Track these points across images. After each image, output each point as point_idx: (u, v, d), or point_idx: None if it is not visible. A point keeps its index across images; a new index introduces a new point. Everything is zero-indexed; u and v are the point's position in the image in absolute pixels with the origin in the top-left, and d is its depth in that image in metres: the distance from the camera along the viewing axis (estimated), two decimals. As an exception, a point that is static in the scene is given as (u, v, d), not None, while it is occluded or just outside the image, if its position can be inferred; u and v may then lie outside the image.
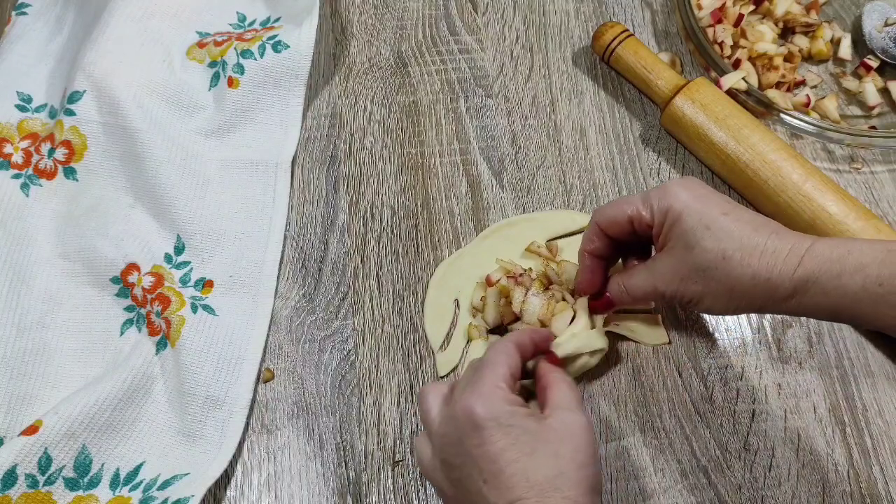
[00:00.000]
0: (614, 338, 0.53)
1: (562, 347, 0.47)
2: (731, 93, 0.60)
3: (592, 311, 0.49)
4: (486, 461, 0.38)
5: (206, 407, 0.50)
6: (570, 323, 0.49)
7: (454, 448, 0.39)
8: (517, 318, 0.52)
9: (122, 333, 0.53)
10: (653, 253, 0.46)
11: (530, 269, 0.53)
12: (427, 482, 0.49)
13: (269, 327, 0.54)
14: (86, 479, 0.47)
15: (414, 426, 0.51)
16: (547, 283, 0.52)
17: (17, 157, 0.58)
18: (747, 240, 0.40)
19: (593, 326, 0.50)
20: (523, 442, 0.38)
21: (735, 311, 0.44)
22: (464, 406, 0.39)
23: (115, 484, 0.48)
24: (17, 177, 0.57)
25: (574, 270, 0.52)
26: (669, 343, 0.53)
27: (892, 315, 0.38)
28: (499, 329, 0.53)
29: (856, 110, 0.64)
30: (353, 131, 0.61)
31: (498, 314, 0.52)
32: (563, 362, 0.47)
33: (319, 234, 0.57)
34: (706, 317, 0.55)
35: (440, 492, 0.42)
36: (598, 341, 0.50)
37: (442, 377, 0.52)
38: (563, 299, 0.51)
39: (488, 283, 0.53)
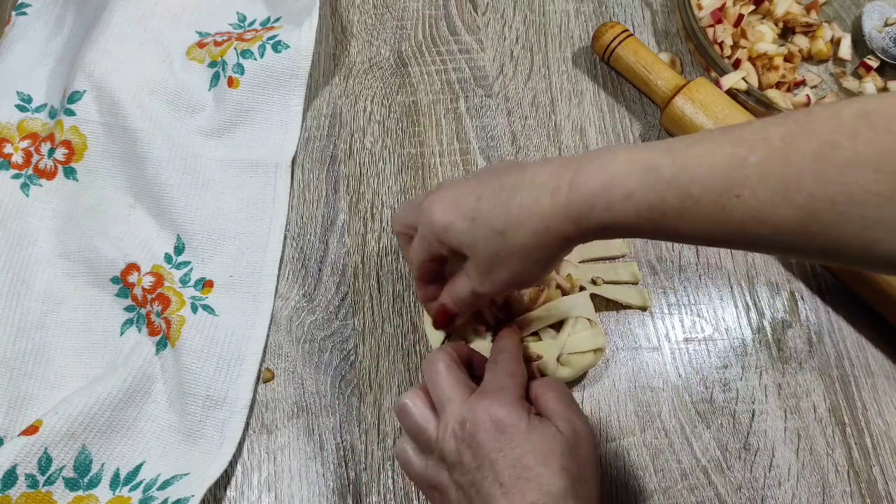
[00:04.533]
0: (614, 338, 0.54)
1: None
2: (731, 93, 0.60)
3: (436, 327, 0.48)
4: (505, 466, 0.38)
5: (206, 407, 0.50)
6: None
7: (472, 451, 0.40)
8: (510, 315, 0.52)
9: (122, 333, 0.53)
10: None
11: None
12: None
13: (269, 327, 0.54)
14: (86, 479, 0.47)
15: (414, 426, 0.51)
16: None
17: (17, 157, 0.58)
18: (505, 207, 0.39)
19: (592, 326, 0.50)
20: (539, 451, 0.39)
21: (548, 267, 0.43)
22: (490, 411, 0.40)
23: (115, 484, 0.48)
24: (17, 177, 0.57)
25: (568, 266, 0.53)
26: (646, 309, 0.54)
27: (668, 233, 0.37)
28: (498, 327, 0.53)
29: (856, 110, 0.64)
30: (353, 131, 0.61)
31: (491, 311, 0.52)
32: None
33: (319, 234, 0.57)
34: (706, 317, 0.55)
35: (437, 493, 0.42)
36: (598, 340, 0.50)
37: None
38: (558, 286, 0.51)
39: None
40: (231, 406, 0.50)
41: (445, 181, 0.45)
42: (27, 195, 0.57)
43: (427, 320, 0.54)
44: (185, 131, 0.59)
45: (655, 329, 0.54)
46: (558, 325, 0.51)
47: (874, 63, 0.64)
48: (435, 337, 0.53)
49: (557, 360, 0.49)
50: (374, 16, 0.67)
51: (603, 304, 0.55)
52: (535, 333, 0.50)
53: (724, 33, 0.63)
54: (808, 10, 0.66)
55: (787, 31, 0.67)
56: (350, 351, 0.53)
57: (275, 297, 0.55)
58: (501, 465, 0.39)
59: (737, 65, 0.62)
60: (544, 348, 0.49)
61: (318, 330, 0.54)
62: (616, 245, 0.57)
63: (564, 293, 0.52)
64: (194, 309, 0.53)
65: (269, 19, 0.65)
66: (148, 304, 0.53)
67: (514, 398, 0.41)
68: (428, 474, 0.42)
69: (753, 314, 0.55)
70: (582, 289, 0.52)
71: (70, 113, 0.57)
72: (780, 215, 0.34)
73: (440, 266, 0.45)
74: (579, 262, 0.55)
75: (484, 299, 0.45)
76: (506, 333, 0.47)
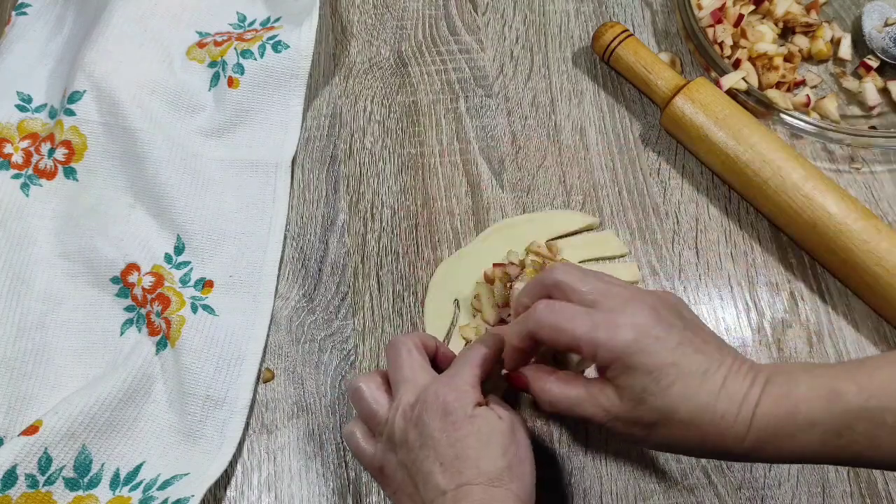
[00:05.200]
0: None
1: None
2: (731, 93, 0.60)
3: (508, 380, 0.46)
4: (446, 446, 0.40)
5: (206, 407, 0.50)
6: None
7: (418, 430, 0.41)
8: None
9: (122, 333, 0.53)
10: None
11: (523, 260, 0.54)
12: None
13: (269, 327, 0.54)
14: (86, 479, 0.47)
15: (414, 426, 0.51)
16: (541, 270, 0.52)
17: (17, 157, 0.58)
18: (697, 400, 0.37)
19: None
20: (481, 434, 0.40)
21: (673, 451, 0.43)
22: (441, 394, 0.41)
23: (115, 484, 0.48)
24: (17, 177, 0.57)
25: None
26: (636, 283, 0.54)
27: (858, 461, 0.36)
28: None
29: (856, 110, 0.64)
30: (353, 131, 0.61)
31: (495, 311, 0.52)
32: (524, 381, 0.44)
33: (319, 234, 0.57)
34: (706, 317, 0.55)
35: (384, 477, 0.43)
36: None
37: (442, 377, 0.52)
38: None
39: (487, 280, 0.53)
40: (231, 406, 0.50)
41: (647, 297, 0.40)
42: (27, 195, 0.57)
43: (427, 320, 0.54)
44: (185, 131, 0.59)
45: (655, 329, 0.54)
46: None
47: (874, 63, 0.64)
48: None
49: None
50: (374, 16, 0.67)
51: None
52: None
53: (724, 33, 0.63)
54: (808, 10, 0.66)
55: (787, 31, 0.66)
56: (350, 351, 0.53)
57: (275, 297, 0.54)
58: (443, 445, 0.40)
59: (737, 65, 0.62)
60: None
61: (318, 330, 0.54)
62: (615, 245, 0.57)
63: None
64: (194, 309, 0.53)
65: (269, 19, 0.65)
66: (148, 304, 0.53)
67: (466, 384, 0.42)
68: (377, 457, 0.43)
69: (753, 314, 0.55)
70: None
71: (70, 113, 0.57)
72: None
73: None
74: (579, 263, 0.55)
75: (570, 415, 0.41)
76: (491, 331, 0.47)
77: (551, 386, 0.42)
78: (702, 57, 0.63)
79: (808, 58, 0.66)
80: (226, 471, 0.48)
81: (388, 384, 0.45)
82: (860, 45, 0.66)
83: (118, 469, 0.48)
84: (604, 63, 0.64)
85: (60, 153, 0.57)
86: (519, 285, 0.51)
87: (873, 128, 0.62)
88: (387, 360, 0.45)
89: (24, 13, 0.65)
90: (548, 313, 0.40)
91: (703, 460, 0.50)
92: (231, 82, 0.60)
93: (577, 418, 0.41)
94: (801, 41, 0.65)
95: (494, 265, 0.53)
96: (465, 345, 0.53)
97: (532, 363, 0.45)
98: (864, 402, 0.35)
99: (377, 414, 0.43)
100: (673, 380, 0.37)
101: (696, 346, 0.39)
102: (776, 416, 0.36)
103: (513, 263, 0.53)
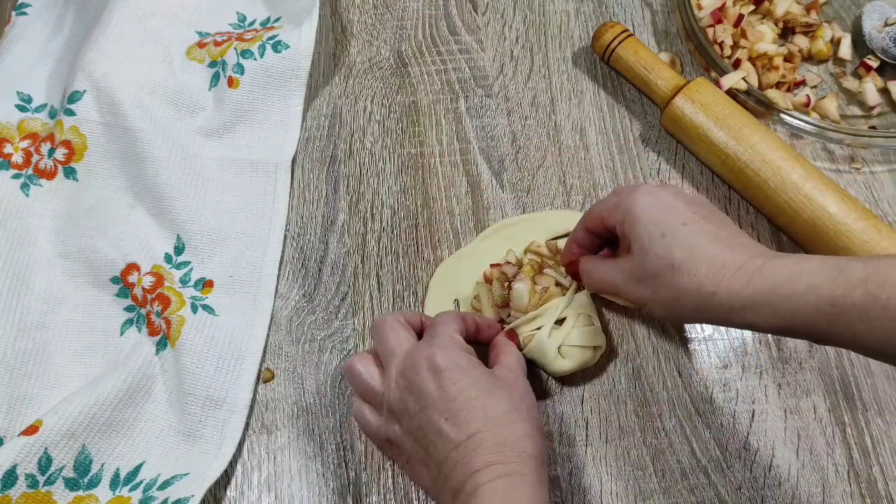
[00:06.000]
0: (614, 338, 0.54)
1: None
2: (731, 93, 0.60)
3: (572, 276, 0.52)
4: (447, 401, 0.41)
5: (206, 407, 0.50)
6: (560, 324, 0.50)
7: (414, 396, 0.42)
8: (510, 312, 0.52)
9: (122, 333, 0.53)
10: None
11: (520, 259, 0.54)
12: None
13: (269, 327, 0.54)
14: (86, 479, 0.47)
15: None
16: (539, 269, 0.52)
17: (17, 157, 0.58)
18: (699, 251, 0.40)
19: (592, 324, 0.51)
20: (482, 383, 0.42)
21: (680, 320, 0.46)
22: (426, 355, 0.42)
23: (115, 484, 0.48)
24: (17, 177, 0.57)
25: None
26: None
27: (846, 335, 0.37)
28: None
29: (856, 110, 0.64)
30: (353, 131, 0.61)
31: (495, 311, 0.52)
32: (517, 339, 0.50)
33: (319, 234, 0.57)
34: (706, 317, 0.55)
35: (394, 448, 0.44)
36: (598, 338, 0.50)
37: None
38: (558, 284, 0.52)
39: (486, 280, 0.53)
40: (231, 406, 0.50)
41: (670, 185, 0.47)
42: (27, 195, 0.57)
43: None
44: (185, 131, 0.59)
45: (655, 329, 0.54)
46: (559, 323, 0.51)
47: (874, 63, 0.64)
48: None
49: (558, 350, 0.49)
50: (374, 16, 0.67)
51: (603, 303, 0.55)
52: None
53: (724, 33, 0.63)
54: (808, 10, 0.66)
55: (787, 31, 0.67)
56: (350, 351, 0.53)
57: (275, 297, 0.55)
58: (442, 402, 0.41)
59: (737, 65, 0.62)
60: (548, 337, 0.49)
61: (318, 330, 0.54)
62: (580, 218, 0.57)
63: (564, 290, 0.52)
64: (194, 309, 0.53)
65: (269, 19, 0.65)
66: (148, 304, 0.53)
67: (448, 339, 0.44)
68: (382, 430, 0.44)
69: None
70: (580, 287, 0.52)
71: (70, 113, 0.57)
72: None
73: (598, 237, 0.49)
74: (548, 241, 0.55)
75: (614, 294, 0.49)
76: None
77: (593, 264, 0.48)
78: (702, 57, 0.63)
79: (808, 58, 0.66)
80: (226, 471, 0.48)
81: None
82: (860, 45, 0.66)
83: (118, 469, 0.48)
84: (604, 63, 0.64)
85: (60, 153, 0.57)
86: (518, 285, 0.51)
87: (873, 128, 0.62)
88: (373, 340, 0.46)
89: (24, 13, 0.65)
90: (594, 204, 0.48)
91: (704, 460, 0.50)
92: (231, 82, 0.60)
93: (609, 290, 0.47)
94: (801, 41, 0.66)
95: (492, 265, 0.53)
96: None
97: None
98: (866, 276, 0.36)
99: (374, 388, 0.44)
100: (677, 233, 0.41)
101: (711, 220, 0.42)
102: (779, 275, 0.38)
103: (510, 263, 0.53)
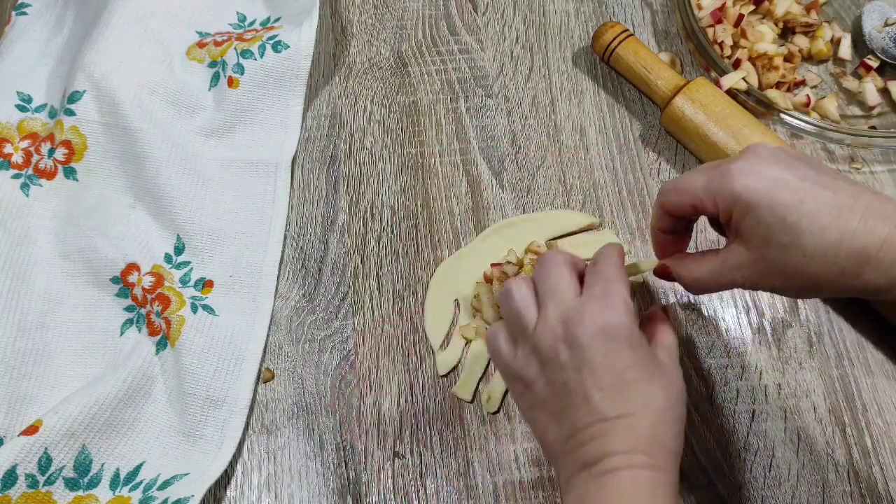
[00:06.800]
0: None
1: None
2: (731, 93, 0.60)
3: (657, 275, 0.47)
4: (607, 373, 0.38)
5: (206, 407, 0.50)
6: None
7: (572, 352, 0.39)
8: None
9: (122, 333, 0.53)
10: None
11: (521, 259, 0.54)
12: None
13: (269, 327, 0.54)
14: (86, 479, 0.47)
15: (413, 425, 0.51)
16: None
17: (17, 157, 0.58)
18: (830, 233, 0.36)
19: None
20: (646, 365, 0.39)
21: (819, 296, 0.42)
22: (600, 317, 0.39)
23: (115, 484, 0.48)
24: (17, 177, 0.57)
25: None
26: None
27: None
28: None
29: (856, 110, 0.64)
30: (353, 131, 0.61)
31: (495, 311, 0.53)
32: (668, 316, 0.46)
33: (319, 234, 0.57)
34: (706, 317, 0.55)
35: (523, 387, 0.41)
36: None
37: (442, 377, 0.52)
38: None
39: (486, 280, 0.53)
40: (231, 406, 0.50)
41: (759, 148, 0.40)
42: (27, 195, 0.57)
43: (427, 320, 0.54)
44: (185, 131, 0.59)
45: (655, 329, 0.54)
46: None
47: (874, 63, 0.64)
48: (435, 337, 0.53)
49: None
50: (374, 16, 0.67)
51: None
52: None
53: (724, 33, 0.63)
54: (808, 10, 0.66)
55: (787, 31, 0.66)
56: (350, 351, 0.53)
57: (275, 297, 0.54)
58: (604, 371, 0.38)
59: (737, 65, 0.62)
60: None
61: (318, 330, 0.54)
62: (580, 219, 0.57)
63: None
64: (194, 309, 0.53)
65: (269, 19, 0.65)
66: (148, 304, 0.53)
67: (623, 307, 0.40)
68: (516, 364, 0.41)
69: (753, 314, 0.55)
70: None
71: (70, 113, 0.57)
72: None
73: (685, 219, 0.44)
74: (548, 241, 0.56)
75: (726, 289, 0.42)
76: (609, 246, 0.45)
77: (690, 266, 0.43)
78: (702, 57, 0.63)
79: (808, 58, 0.66)
80: (226, 471, 0.48)
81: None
82: (860, 45, 0.66)
83: (118, 469, 0.48)
84: (604, 63, 0.64)
85: (60, 153, 0.57)
86: None
87: (873, 128, 0.62)
88: (535, 272, 0.43)
89: (24, 13, 0.65)
90: (670, 183, 0.42)
91: (703, 460, 0.50)
92: (231, 82, 0.60)
93: (718, 288, 0.41)
94: (801, 41, 0.65)
95: (493, 265, 0.53)
96: (466, 344, 0.53)
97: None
98: None
99: (524, 318, 0.41)
100: (799, 215, 0.36)
101: (824, 184, 0.37)
102: None
103: (510, 263, 0.53)
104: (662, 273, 0.46)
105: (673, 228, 0.45)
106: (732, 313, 0.55)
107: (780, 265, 0.38)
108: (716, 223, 0.43)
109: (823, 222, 0.36)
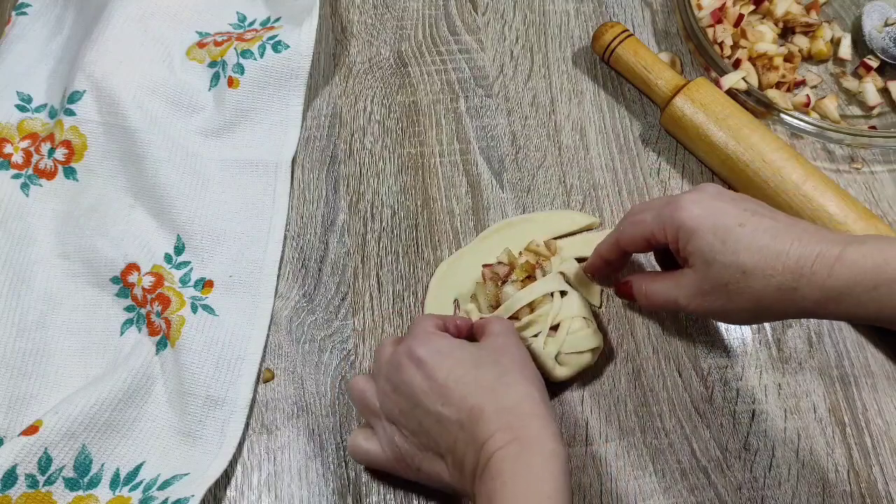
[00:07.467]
0: (614, 338, 0.54)
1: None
2: (731, 93, 0.60)
3: (617, 290, 0.51)
4: (437, 387, 0.41)
5: (206, 407, 0.50)
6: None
7: (404, 396, 0.42)
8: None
9: (122, 333, 0.53)
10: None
11: (513, 260, 0.54)
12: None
13: (269, 327, 0.54)
14: (86, 479, 0.47)
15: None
16: (531, 271, 0.52)
17: (17, 157, 0.58)
18: (768, 250, 0.39)
19: (588, 326, 0.50)
20: (466, 359, 0.42)
21: (760, 321, 0.45)
22: (403, 352, 0.43)
23: (115, 484, 0.48)
24: (17, 177, 0.57)
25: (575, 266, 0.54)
26: (600, 307, 0.55)
27: None
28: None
29: (856, 110, 0.64)
30: (353, 131, 0.61)
31: (490, 312, 0.52)
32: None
33: (319, 234, 0.57)
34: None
35: (404, 460, 0.44)
36: (594, 340, 0.50)
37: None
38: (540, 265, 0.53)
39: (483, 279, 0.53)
40: (231, 406, 0.50)
41: (707, 185, 0.44)
42: (27, 195, 0.57)
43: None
44: (185, 131, 0.59)
45: (655, 329, 0.54)
46: (553, 329, 0.51)
47: (874, 63, 0.64)
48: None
49: (556, 358, 0.49)
50: (374, 16, 0.67)
51: (604, 296, 0.55)
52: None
53: (724, 33, 0.63)
54: (808, 10, 0.66)
55: (787, 31, 0.67)
56: (350, 351, 0.53)
57: (275, 297, 0.54)
58: (433, 390, 0.41)
59: (737, 65, 0.62)
60: (544, 346, 0.49)
61: (318, 330, 0.54)
62: (580, 219, 0.57)
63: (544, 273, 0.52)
64: (194, 309, 0.53)
65: (269, 19, 0.65)
66: (148, 304, 0.53)
67: (421, 333, 0.44)
68: (386, 449, 0.44)
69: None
70: (572, 286, 0.52)
71: (70, 113, 0.57)
72: None
73: (636, 250, 0.48)
74: (548, 241, 0.56)
75: (675, 311, 0.48)
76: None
77: (647, 283, 0.46)
78: (702, 57, 0.63)
79: (808, 58, 0.66)
80: (226, 471, 0.48)
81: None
82: (860, 45, 0.66)
83: (118, 469, 0.48)
84: (604, 63, 0.64)
85: (60, 153, 0.57)
86: (507, 288, 0.51)
87: (873, 128, 0.62)
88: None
89: (24, 13, 0.65)
90: (626, 217, 0.47)
91: (704, 460, 0.50)
92: (231, 82, 0.60)
93: (670, 307, 0.45)
94: (801, 41, 0.66)
95: (484, 266, 0.53)
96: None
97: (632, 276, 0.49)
98: None
99: (369, 404, 0.45)
100: (738, 236, 0.40)
101: (763, 213, 0.41)
102: (861, 266, 0.37)
103: (501, 263, 0.53)
104: (622, 288, 0.49)
105: (616, 263, 0.49)
106: (732, 313, 0.55)
107: (721, 284, 0.41)
108: (667, 259, 0.47)
109: (761, 242, 0.40)
